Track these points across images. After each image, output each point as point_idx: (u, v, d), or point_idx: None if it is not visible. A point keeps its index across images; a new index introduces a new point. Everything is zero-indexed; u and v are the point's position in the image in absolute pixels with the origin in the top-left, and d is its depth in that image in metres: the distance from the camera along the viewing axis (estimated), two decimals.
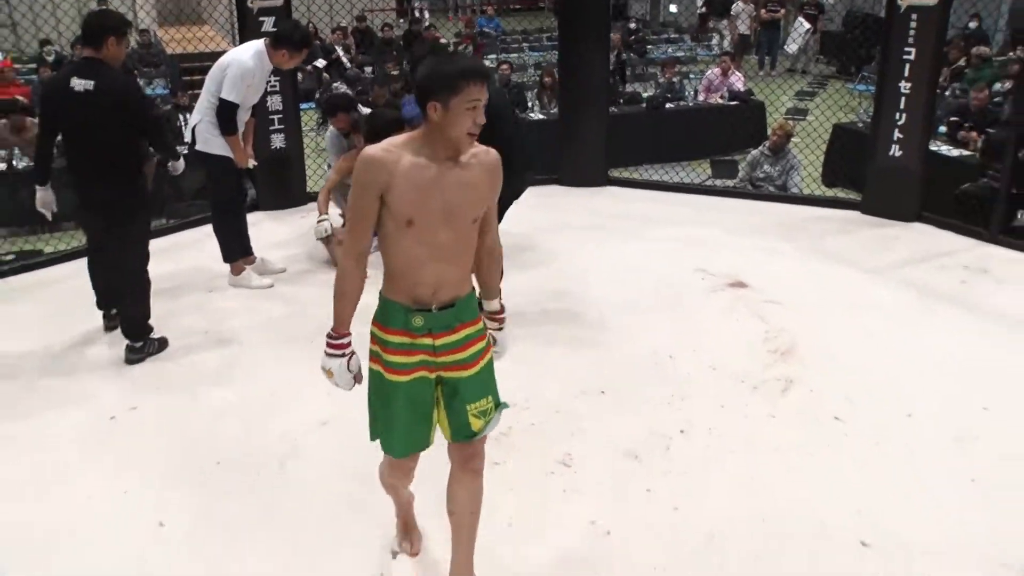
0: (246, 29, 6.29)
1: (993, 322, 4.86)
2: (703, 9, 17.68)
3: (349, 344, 2.63)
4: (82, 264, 4.89)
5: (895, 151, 6.22)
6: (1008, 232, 5.96)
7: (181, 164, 4.97)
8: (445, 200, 2.49)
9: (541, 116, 10.55)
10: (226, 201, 5.33)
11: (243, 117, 5.18)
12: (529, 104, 11.24)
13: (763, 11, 15.96)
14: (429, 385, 2.62)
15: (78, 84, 4.18)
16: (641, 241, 6.05)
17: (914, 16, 5.97)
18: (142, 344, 4.55)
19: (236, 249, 5.40)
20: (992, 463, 3.61)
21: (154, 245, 6.00)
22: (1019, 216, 5.96)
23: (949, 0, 5.97)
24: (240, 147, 5.13)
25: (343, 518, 3.28)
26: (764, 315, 4.92)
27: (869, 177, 6.54)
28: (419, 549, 3.11)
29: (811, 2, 16.43)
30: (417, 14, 18.43)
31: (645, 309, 5.02)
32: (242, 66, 5.00)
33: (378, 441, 2.71)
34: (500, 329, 2.84)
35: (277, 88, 6.47)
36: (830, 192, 8.21)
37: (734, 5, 16.28)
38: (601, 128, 7.13)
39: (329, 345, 2.62)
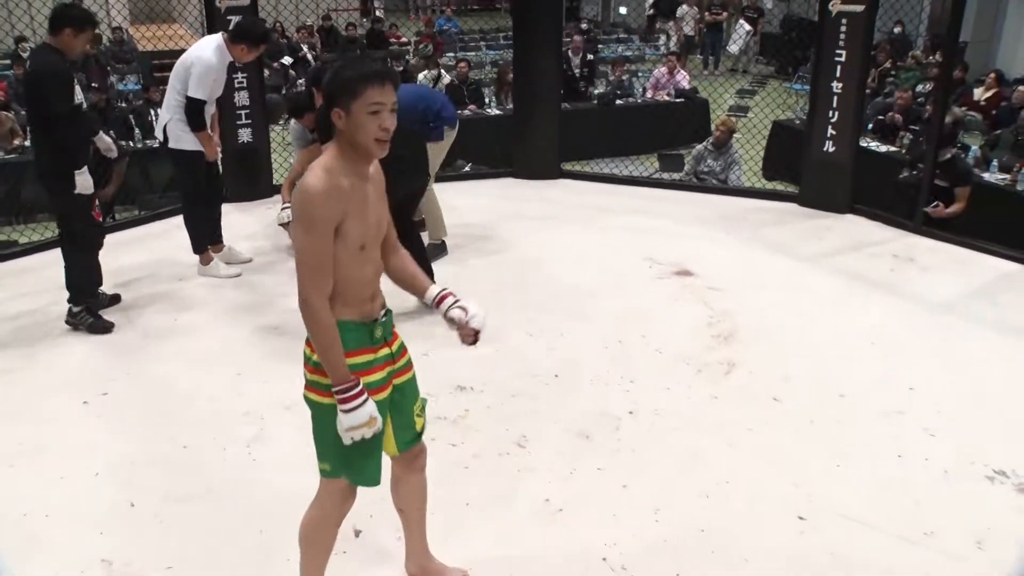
0: (215, 28, 6.15)
1: (919, 306, 4.92)
2: (651, 11, 17.69)
3: (363, 385, 2.29)
4: (56, 254, 4.76)
5: (828, 147, 6.26)
6: (932, 223, 6.03)
7: (86, 180, 4.37)
8: (376, 215, 2.33)
9: (497, 112, 10.51)
10: (195, 194, 5.23)
11: (210, 110, 5.08)
12: (486, 100, 11.19)
13: (707, 13, 16.03)
14: (388, 401, 2.43)
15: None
16: (592, 231, 6.03)
17: (844, 21, 6.00)
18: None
19: (204, 240, 5.31)
20: (917, 439, 3.65)
21: (126, 235, 5.92)
22: (933, 204, 6.03)
23: (875, 6, 6.01)
24: (210, 141, 5.04)
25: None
26: (708, 301, 4.93)
27: (804, 171, 6.58)
28: None
29: (752, 6, 16.52)
30: (378, 14, 18.24)
31: (596, 295, 5.01)
32: (206, 63, 4.90)
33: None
34: (458, 301, 2.54)
35: (244, 84, 6.35)
36: (770, 185, 8.27)
37: (680, 7, 16.32)
38: (554, 123, 7.10)
39: (348, 400, 2.24)
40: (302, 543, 2.56)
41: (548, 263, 5.46)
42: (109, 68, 12.88)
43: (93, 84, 10.28)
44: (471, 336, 2.54)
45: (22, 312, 4.79)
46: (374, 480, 2.43)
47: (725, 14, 16.36)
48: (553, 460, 3.52)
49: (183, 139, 4.99)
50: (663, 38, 17.02)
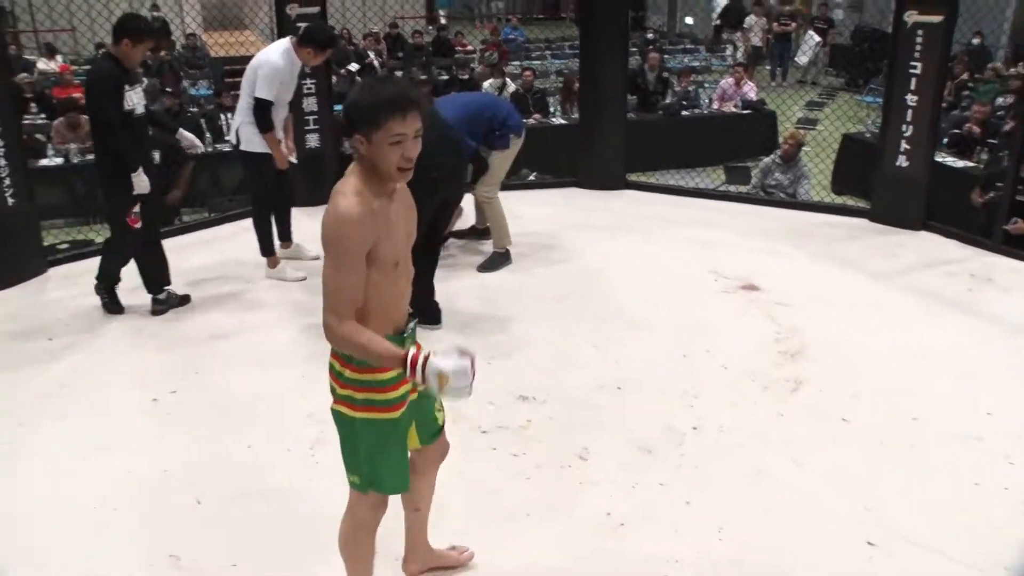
0: (285, 34, 6.26)
1: (998, 328, 4.77)
2: (718, 21, 17.53)
3: (414, 353, 2.20)
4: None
5: (902, 161, 6.13)
6: (1012, 242, 5.85)
7: (142, 180, 4.54)
8: (405, 229, 2.35)
9: (562, 120, 10.50)
10: (264, 197, 5.32)
11: (280, 114, 5.16)
12: (551, 109, 11.19)
13: (775, 24, 15.82)
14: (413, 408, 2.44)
15: None
16: (657, 242, 5.99)
17: (920, 32, 5.87)
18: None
19: (271, 244, 5.39)
20: (996, 466, 3.53)
21: (195, 237, 6.04)
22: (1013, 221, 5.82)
23: (953, 17, 5.87)
24: (277, 146, 5.11)
25: None
26: (775, 317, 4.85)
27: (876, 186, 6.44)
28: None
29: (821, 16, 16.27)
30: (443, 22, 18.39)
31: (660, 308, 4.96)
32: (272, 65, 4.99)
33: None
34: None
35: (312, 90, 6.44)
36: (839, 199, 8.11)
37: (747, 18, 16.14)
38: (619, 133, 7.07)
39: (411, 370, 2.17)
40: (343, 555, 2.57)
41: (612, 274, 5.43)
42: (182, 73, 13.19)
43: (167, 89, 10.53)
44: None
45: (95, 308, 4.91)
46: (402, 487, 2.47)
47: (794, 24, 16.13)
48: (615, 473, 3.48)
49: (253, 141, 5.08)
50: (730, 49, 16.86)
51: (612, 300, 5.05)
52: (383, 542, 2.61)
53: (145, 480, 3.44)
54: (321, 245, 2.22)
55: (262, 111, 5.00)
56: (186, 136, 4.94)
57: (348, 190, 2.20)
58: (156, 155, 4.97)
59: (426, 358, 2.17)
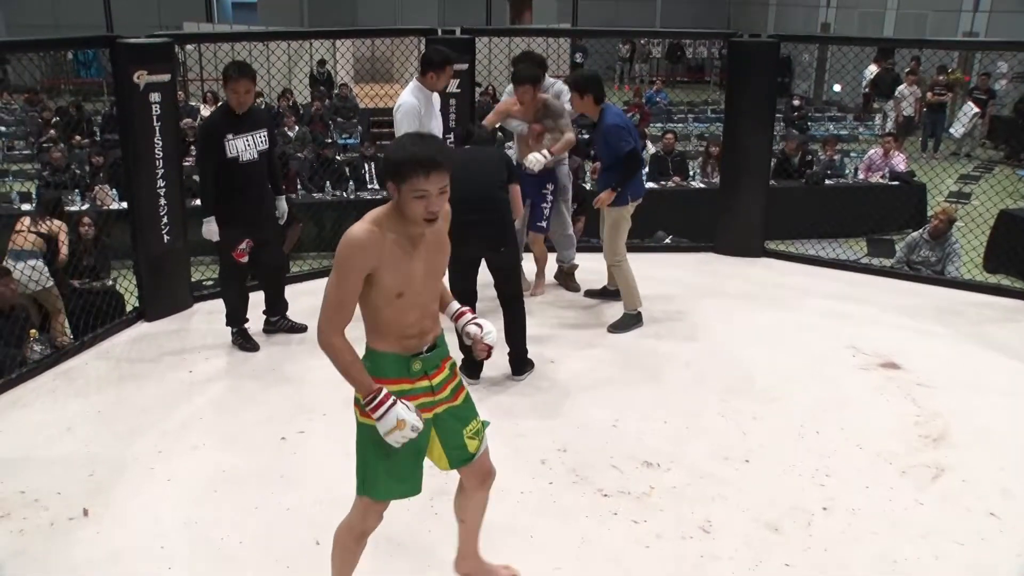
0: None
1: None
2: (867, 89, 17.10)
3: (386, 392, 2.53)
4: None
5: None
6: None
7: (211, 228, 4.91)
8: (427, 265, 2.58)
9: (702, 184, 10.44)
10: None
11: None
12: (691, 172, 11.14)
13: (930, 93, 15.32)
14: (428, 426, 2.67)
15: None
16: (793, 312, 5.83)
17: None
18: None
19: None
20: None
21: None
22: None
23: None
24: None
25: (487, 554, 3.24)
26: (916, 398, 4.63)
27: None
28: None
29: (981, 87, 15.66)
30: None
31: (794, 380, 4.81)
32: (406, 104, 5.25)
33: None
34: (474, 318, 2.85)
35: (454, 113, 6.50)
36: (992, 279, 7.71)
37: (899, 88, 15.70)
38: (760, 200, 6.95)
39: (375, 408, 2.51)
40: (333, 548, 2.84)
41: (745, 343, 5.31)
42: (331, 123, 13.80)
43: (317, 138, 11.07)
44: (485, 350, 2.82)
45: (225, 346, 5.15)
46: (391, 494, 2.71)
47: (950, 95, 15.58)
48: (738, 549, 3.37)
49: None
50: (878, 118, 16.40)
51: (743, 369, 4.93)
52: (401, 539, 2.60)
53: (269, 516, 3.55)
54: None
55: None
56: (281, 205, 5.19)
57: (369, 218, 2.53)
58: (283, 204, 5.22)
59: (394, 402, 2.51)
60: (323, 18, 21.80)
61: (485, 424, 2.83)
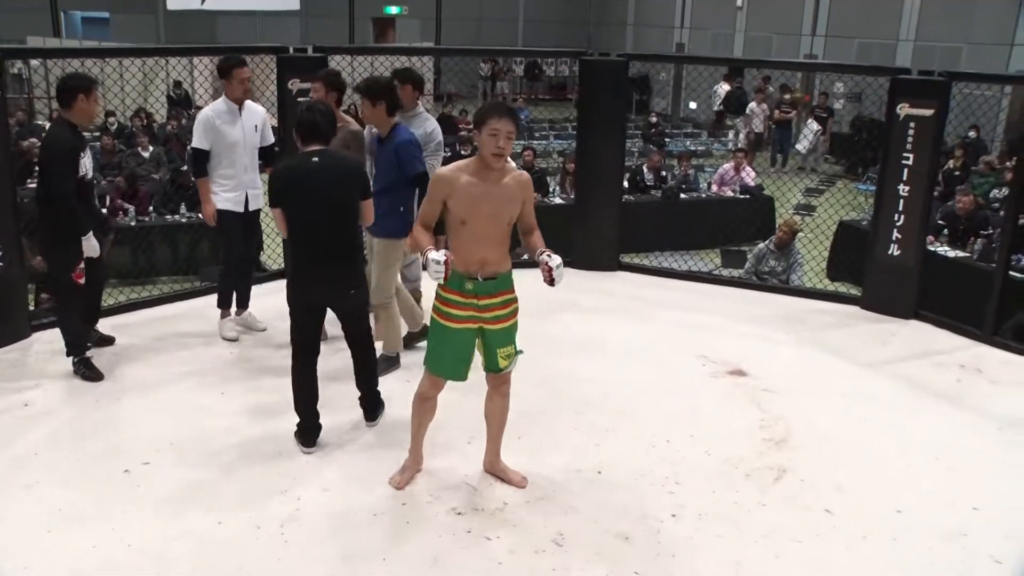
0: (286, 106, 6.35)
1: (987, 421, 4.72)
2: (720, 107, 17.79)
3: (426, 250, 3.44)
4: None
5: (894, 250, 6.15)
6: (1002, 333, 5.83)
7: (92, 244, 4.76)
8: (491, 208, 3.46)
9: (560, 200, 10.60)
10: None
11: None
12: (550, 189, 11.30)
13: (776, 111, 16.07)
14: (472, 333, 3.58)
15: None
16: (647, 324, 5.96)
17: (912, 124, 5.95)
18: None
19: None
20: (982, 565, 3.46)
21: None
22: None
23: (944, 111, 5.95)
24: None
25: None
26: (761, 403, 4.80)
27: (868, 274, 6.45)
28: (404, 485, 3.82)
29: (821, 105, 16.54)
30: (446, 100, 18.68)
31: (646, 391, 4.92)
32: (200, 114, 5.34)
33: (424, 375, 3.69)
34: (546, 251, 3.54)
35: None
36: (832, 286, 8.11)
37: (749, 105, 16.40)
38: (614, 214, 7.10)
39: (423, 254, 3.47)
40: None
41: (599, 356, 5.39)
42: (187, 143, 13.36)
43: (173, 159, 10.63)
44: (546, 272, 3.46)
45: (66, 376, 4.88)
46: (443, 374, 3.65)
47: (794, 112, 16.40)
48: (590, 560, 3.42)
49: None
50: (731, 134, 17.08)
51: (597, 383, 5.00)
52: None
53: (107, 555, 3.37)
54: None
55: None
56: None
57: (458, 162, 3.57)
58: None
59: (426, 253, 3.43)
60: (180, 36, 21.16)
61: (520, 352, 3.69)
